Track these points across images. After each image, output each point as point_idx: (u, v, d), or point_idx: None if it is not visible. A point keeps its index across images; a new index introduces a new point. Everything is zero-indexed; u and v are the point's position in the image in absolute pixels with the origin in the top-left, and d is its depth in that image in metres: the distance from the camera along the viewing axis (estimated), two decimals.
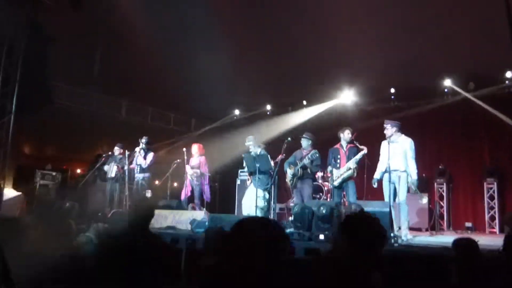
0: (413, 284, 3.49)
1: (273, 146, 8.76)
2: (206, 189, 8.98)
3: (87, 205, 9.36)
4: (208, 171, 9.13)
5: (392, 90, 10.37)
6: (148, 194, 8.77)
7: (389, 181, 6.50)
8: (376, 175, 6.88)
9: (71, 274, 2.99)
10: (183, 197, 8.90)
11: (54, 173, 9.98)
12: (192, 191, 8.94)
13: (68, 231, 3.56)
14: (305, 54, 8.32)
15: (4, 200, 8.25)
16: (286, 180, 8.11)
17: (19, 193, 8.78)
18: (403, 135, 6.84)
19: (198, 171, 8.96)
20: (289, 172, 7.95)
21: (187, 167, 9.00)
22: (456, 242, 3.17)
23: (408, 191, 6.79)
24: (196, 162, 9.07)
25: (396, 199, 6.61)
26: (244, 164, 8.22)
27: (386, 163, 6.64)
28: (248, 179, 8.39)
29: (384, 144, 6.90)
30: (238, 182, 10.72)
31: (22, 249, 3.25)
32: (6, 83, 8.82)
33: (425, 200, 9.17)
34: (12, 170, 8.85)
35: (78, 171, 11.27)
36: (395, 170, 6.65)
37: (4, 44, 8.70)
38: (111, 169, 9.25)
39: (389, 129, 6.82)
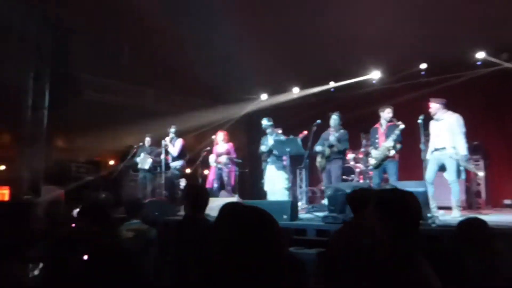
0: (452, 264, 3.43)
1: (302, 129, 8.73)
2: (232, 176, 9.08)
3: (121, 196, 9.62)
4: (236, 157, 9.21)
5: (422, 66, 10.14)
6: (182, 182, 8.90)
7: (435, 161, 6.50)
8: (428, 156, 6.81)
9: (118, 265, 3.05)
10: (215, 184, 9.03)
11: (88, 165, 10.28)
12: (219, 179, 9.01)
13: (111, 223, 3.62)
14: (331, 30, 8.20)
15: (43, 195, 8.54)
16: (316, 162, 8.12)
17: (57, 187, 9.08)
18: (449, 112, 6.73)
19: (225, 158, 9.00)
20: (319, 147, 7.96)
21: (211, 156, 9.09)
22: (461, 222, 3.07)
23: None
24: (223, 149, 9.13)
25: (448, 179, 6.53)
26: (264, 147, 8.14)
27: (433, 142, 6.62)
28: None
29: (431, 123, 6.84)
30: (264, 166, 10.71)
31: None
32: (37, 79, 9.07)
33: (481, 173, 8.86)
34: (49, 165, 9.11)
35: (111, 162, 11.57)
36: (442, 149, 6.58)
37: (32, 41, 8.90)
38: (145, 161, 9.39)
39: (433, 107, 6.76)
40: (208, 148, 9.47)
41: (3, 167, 10.88)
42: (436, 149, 6.68)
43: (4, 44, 8.41)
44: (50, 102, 9.20)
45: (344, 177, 9.10)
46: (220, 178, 9.04)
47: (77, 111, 9.82)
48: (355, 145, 9.83)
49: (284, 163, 7.95)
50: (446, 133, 6.61)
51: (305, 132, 8.47)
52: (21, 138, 9.06)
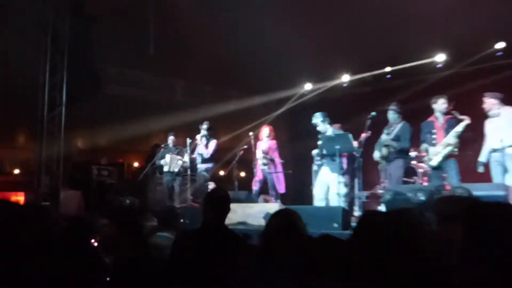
0: None
1: (355, 124, 8.63)
2: (281, 178, 9.07)
3: (147, 201, 9.83)
4: (279, 157, 9.22)
5: (498, 45, 9.79)
6: (211, 186, 8.99)
7: (497, 163, 6.44)
8: (481, 158, 6.73)
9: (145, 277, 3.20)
10: (254, 187, 9.09)
11: (110, 168, 10.58)
12: (264, 181, 9.05)
13: (140, 230, 3.72)
14: (387, 9, 8.07)
15: (61, 198, 8.84)
16: (374, 157, 8.03)
17: (76, 191, 9.38)
18: (506, 106, 6.70)
19: (268, 157, 9.06)
20: (376, 153, 7.85)
21: (257, 152, 9.12)
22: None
23: None
24: (265, 146, 9.15)
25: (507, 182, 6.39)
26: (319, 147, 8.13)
27: (491, 142, 6.54)
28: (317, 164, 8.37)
29: (486, 121, 6.79)
30: (315, 168, 10.63)
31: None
32: (54, 72, 9.29)
33: None
34: (68, 167, 9.35)
35: (136, 164, 11.84)
36: (502, 148, 6.50)
37: (48, 31, 9.14)
38: (174, 163, 9.60)
39: (487, 102, 6.71)
40: (245, 146, 9.50)
41: (17, 171, 11.28)
42: (494, 150, 6.57)
43: (16, 33, 8.69)
44: (68, 98, 9.40)
45: (404, 179, 8.93)
46: (265, 180, 9.11)
47: (98, 108, 10.09)
48: (416, 142, 9.62)
49: (344, 165, 7.83)
50: (505, 131, 6.52)
51: (364, 134, 8.33)
52: (37, 138, 9.34)
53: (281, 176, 9.10)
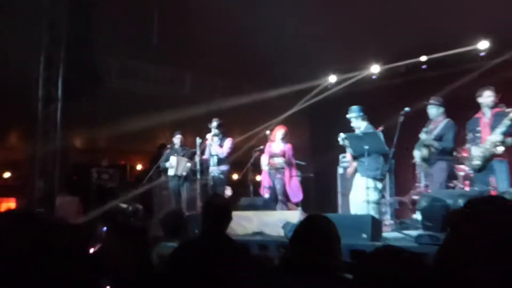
0: None
1: (386, 121, 8.55)
2: (294, 182, 9.07)
3: (152, 207, 9.88)
4: (294, 159, 9.25)
5: None
6: (228, 191, 9.00)
7: None
8: None
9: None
10: (265, 194, 9.13)
11: (111, 170, 10.69)
12: (274, 187, 9.09)
13: (145, 240, 3.80)
14: None
15: (57, 204, 8.90)
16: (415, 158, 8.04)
17: (73, 196, 9.46)
18: None
19: (281, 160, 9.08)
20: (416, 153, 7.77)
21: (263, 157, 9.21)
22: None
23: None
24: (278, 149, 9.18)
25: None
26: (347, 148, 8.10)
27: None
28: (349, 167, 8.35)
29: None
30: (340, 171, 10.70)
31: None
32: (50, 64, 9.30)
33: None
34: (64, 169, 9.38)
35: (139, 166, 11.94)
36: None
37: (44, 18, 9.17)
38: (181, 165, 9.67)
39: None
40: (262, 146, 9.54)
41: (7, 174, 11.37)
42: None
43: (9, 21, 8.71)
44: (65, 93, 9.42)
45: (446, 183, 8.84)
46: (272, 187, 9.15)
47: (99, 104, 10.15)
48: (457, 142, 9.51)
49: (377, 171, 7.72)
50: None
51: (380, 128, 8.29)
52: (30, 137, 9.37)
53: (295, 182, 9.09)
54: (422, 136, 7.73)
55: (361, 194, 7.54)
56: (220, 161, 9.36)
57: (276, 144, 9.22)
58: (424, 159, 7.74)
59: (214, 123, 9.32)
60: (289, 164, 9.10)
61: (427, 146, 7.67)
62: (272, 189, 9.08)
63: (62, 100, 9.33)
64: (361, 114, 7.90)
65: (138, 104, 10.75)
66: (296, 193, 9.12)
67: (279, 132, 9.25)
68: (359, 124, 7.87)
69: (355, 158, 7.93)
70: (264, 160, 9.21)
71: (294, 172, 9.24)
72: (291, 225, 7.30)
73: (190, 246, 3.57)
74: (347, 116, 7.93)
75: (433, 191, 7.50)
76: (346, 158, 8.53)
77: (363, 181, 7.56)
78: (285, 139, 9.22)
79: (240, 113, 11.43)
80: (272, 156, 9.13)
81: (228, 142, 9.36)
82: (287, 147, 9.21)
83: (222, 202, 3.82)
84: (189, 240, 3.92)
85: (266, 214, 8.02)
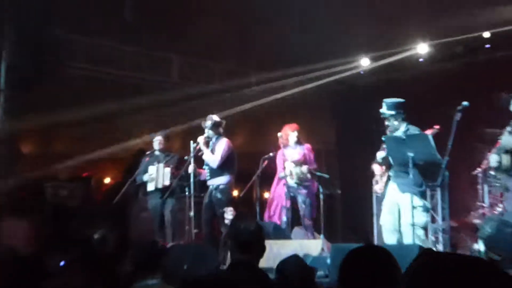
0: None
1: (435, 118, 8.41)
2: (314, 201, 9.12)
3: (126, 234, 9.72)
4: (317, 168, 9.24)
5: None
6: (229, 214, 8.84)
7: None
8: None
9: None
10: (283, 216, 9.06)
11: (71, 185, 10.55)
12: (291, 208, 9.03)
13: (115, 277, 3.85)
14: None
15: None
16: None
17: (21, 219, 9.32)
18: None
19: (305, 169, 8.98)
20: (493, 159, 7.55)
21: (279, 164, 9.18)
22: None
23: None
24: (296, 155, 9.12)
25: None
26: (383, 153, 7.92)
27: None
28: (377, 181, 8.33)
29: None
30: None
31: None
32: None
33: None
34: (11, 186, 9.29)
35: (108, 179, 11.86)
36: None
37: None
38: (161, 174, 9.55)
39: None
40: (271, 154, 9.44)
41: None
42: None
43: None
44: (12, 80, 9.39)
45: None
46: (292, 206, 9.05)
47: (56, 94, 10.01)
48: None
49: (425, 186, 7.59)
50: None
51: (436, 127, 8.16)
52: None
53: (313, 199, 9.12)
54: (505, 138, 7.50)
55: (395, 217, 7.56)
56: (215, 173, 9.15)
57: (291, 149, 9.25)
58: (505, 169, 7.52)
59: (209, 122, 9.13)
60: (312, 173, 9.14)
61: (507, 152, 7.47)
62: (290, 211, 9.03)
63: (6, 90, 9.25)
64: (400, 111, 7.69)
65: (109, 95, 10.61)
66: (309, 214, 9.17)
67: (292, 133, 9.25)
68: (396, 124, 7.70)
69: (389, 168, 7.84)
70: (288, 167, 9.14)
71: (316, 185, 9.22)
72: (312, 257, 7.13)
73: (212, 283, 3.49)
74: (381, 112, 7.74)
75: (508, 213, 7.44)
76: (376, 170, 8.42)
77: (405, 200, 7.44)
78: (301, 140, 9.27)
79: (243, 109, 11.42)
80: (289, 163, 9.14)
81: (221, 145, 9.10)
82: (306, 149, 9.22)
83: (252, 229, 3.96)
84: (199, 279, 3.92)
85: (279, 244, 7.92)
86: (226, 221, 8.84)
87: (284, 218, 9.00)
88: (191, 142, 9.12)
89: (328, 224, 9.24)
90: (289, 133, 9.27)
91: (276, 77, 12.19)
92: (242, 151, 10.23)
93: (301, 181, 9.06)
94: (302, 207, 8.97)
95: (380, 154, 7.91)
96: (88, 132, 10.46)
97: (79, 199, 10.59)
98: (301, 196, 9.05)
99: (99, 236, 8.23)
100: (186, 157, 9.23)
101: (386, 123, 7.73)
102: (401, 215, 7.56)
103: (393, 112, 7.64)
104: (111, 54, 11.50)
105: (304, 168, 9.06)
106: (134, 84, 11.49)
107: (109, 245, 8.08)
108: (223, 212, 8.99)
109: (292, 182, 9.08)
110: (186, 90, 11.36)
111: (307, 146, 9.28)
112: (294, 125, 9.42)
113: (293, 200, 9.10)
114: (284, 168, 9.16)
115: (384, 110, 7.70)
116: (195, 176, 9.17)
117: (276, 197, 9.25)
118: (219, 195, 9.09)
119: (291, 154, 9.19)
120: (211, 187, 9.20)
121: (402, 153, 7.47)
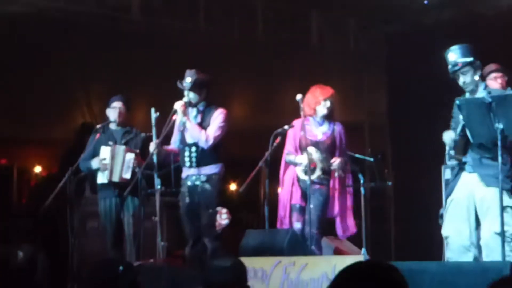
0: None
1: None
2: (347, 200, 9.20)
3: (66, 252, 9.75)
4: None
5: None
6: (223, 219, 9.05)
7: None
8: None
9: None
10: (295, 221, 9.11)
11: None
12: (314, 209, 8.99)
13: None
14: None
15: None
16: None
17: None
18: None
19: (337, 162, 9.02)
20: None
21: (290, 140, 9.20)
22: None
23: None
24: (320, 134, 9.16)
25: None
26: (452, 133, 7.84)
27: None
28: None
29: None
30: (447, 175, 10.50)
31: None
32: None
33: None
34: None
35: (38, 169, 11.96)
36: None
37: None
38: (120, 164, 9.59)
39: None
40: (286, 127, 9.29)
41: None
42: None
43: None
44: None
45: None
46: (320, 205, 9.03)
47: None
48: None
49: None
50: None
51: None
52: None
53: (349, 200, 9.20)
54: None
55: (471, 224, 7.50)
56: (201, 158, 9.15)
57: (314, 125, 9.26)
58: None
59: (188, 79, 9.08)
60: (343, 166, 9.11)
61: None
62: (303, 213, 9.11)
63: None
64: (476, 62, 7.63)
65: (39, 39, 10.84)
66: (350, 220, 9.23)
67: (323, 102, 9.19)
68: (475, 80, 7.66)
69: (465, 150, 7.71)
70: (303, 157, 9.08)
71: (349, 179, 9.28)
72: None
73: None
74: (451, 62, 7.63)
75: None
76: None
77: (489, 197, 7.40)
78: (332, 113, 9.20)
79: (242, 62, 11.62)
80: (313, 145, 9.10)
81: (218, 117, 9.14)
82: (337, 130, 9.24)
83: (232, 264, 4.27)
84: None
85: (300, 262, 7.84)
86: (223, 222, 9.10)
87: (298, 225, 9.03)
88: (152, 109, 9.21)
89: (374, 233, 9.40)
90: (319, 100, 9.19)
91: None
92: (243, 125, 10.63)
93: (324, 176, 9.07)
94: (311, 206, 8.90)
95: (449, 136, 7.78)
96: (8, 100, 10.59)
97: None
98: (314, 193, 9.00)
99: (24, 254, 8.29)
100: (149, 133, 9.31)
101: (461, 80, 7.62)
102: (482, 221, 7.51)
103: (470, 59, 7.58)
104: None
105: (336, 162, 9.02)
106: (79, 23, 11.62)
107: (38, 268, 8.12)
108: (213, 214, 9.05)
109: (304, 175, 9.02)
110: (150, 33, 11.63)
111: (340, 126, 9.29)
112: (328, 89, 9.37)
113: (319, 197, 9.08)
114: (302, 151, 9.14)
115: (455, 58, 7.61)
116: (165, 162, 9.30)
117: (287, 193, 9.25)
118: (208, 188, 9.12)
119: (314, 131, 9.20)
120: (193, 178, 9.18)
121: (487, 125, 7.43)
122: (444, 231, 7.77)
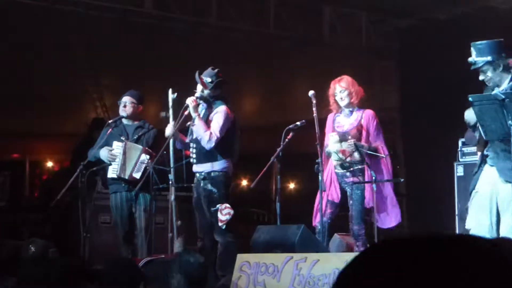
0: None
1: None
2: (386, 189, 9.11)
3: (78, 246, 9.79)
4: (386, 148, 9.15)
5: None
6: (224, 215, 8.89)
7: None
8: None
9: None
10: (318, 217, 8.99)
11: None
12: (341, 202, 9.03)
13: None
14: None
15: None
16: None
17: None
18: None
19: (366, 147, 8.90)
20: None
21: (330, 138, 9.04)
22: None
23: None
24: (350, 123, 9.09)
25: None
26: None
27: None
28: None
29: None
30: (459, 172, 10.61)
31: None
32: None
33: None
34: None
35: (49, 163, 11.99)
36: None
37: None
38: (132, 160, 9.61)
39: None
40: (298, 123, 9.16)
41: None
42: None
43: None
44: None
45: None
46: (343, 199, 9.08)
47: None
48: None
49: None
50: None
51: None
52: None
53: (388, 188, 9.05)
54: None
55: (493, 219, 7.52)
56: (204, 155, 9.18)
57: (344, 117, 9.19)
58: None
59: (208, 78, 9.12)
60: (375, 151, 9.02)
61: None
62: (339, 206, 9.11)
63: None
64: (502, 56, 7.56)
65: (54, 35, 10.79)
66: (392, 210, 9.12)
67: (334, 90, 9.08)
68: (496, 78, 7.59)
69: (485, 145, 7.73)
70: (332, 140, 9.05)
71: (388, 166, 9.19)
72: None
73: None
74: (470, 61, 7.59)
75: None
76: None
77: (507, 192, 7.39)
78: (355, 100, 9.10)
79: (253, 55, 11.55)
80: (342, 136, 9.02)
81: (220, 114, 9.11)
82: (365, 117, 9.13)
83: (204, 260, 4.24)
84: None
85: (310, 259, 7.78)
86: (221, 224, 8.93)
87: (325, 218, 8.90)
88: (170, 90, 9.20)
89: (386, 229, 9.29)
90: (333, 92, 9.11)
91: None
92: (254, 121, 10.63)
93: (348, 165, 8.99)
94: (350, 202, 8.95)
95: (470, 114, 7.64)
96: (19, 94, 10.51)
97: (7, 194, 10.77)
98: (349, 187, 9.00)
99: (36, 248, 8.24)
100: (163, 114, 9.31)
101: (481, 77, 7.61)
102: (502, 216, 7.50)
103: (488, 58, 7.52)
104: None
105: (350, 141, 8.82)
106: (84, 18, 11.49)
107: (49, 261, 8.11)
108: (215, 211, 9.04)
109: (340, 168, 9.02)
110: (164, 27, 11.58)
111: (370, 112, 9.21)
112: (336, 79, 9.24)
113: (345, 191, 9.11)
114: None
115: (473, 56, 7.57)
116: (178, 155, 9.28)
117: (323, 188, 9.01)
118: (209, 187, 9.16)
119: (341, 123, 9.15)
120: (197, 174, 9.28)
121: (500, 121, 7.41)
122: (467, 224, 7.82)
